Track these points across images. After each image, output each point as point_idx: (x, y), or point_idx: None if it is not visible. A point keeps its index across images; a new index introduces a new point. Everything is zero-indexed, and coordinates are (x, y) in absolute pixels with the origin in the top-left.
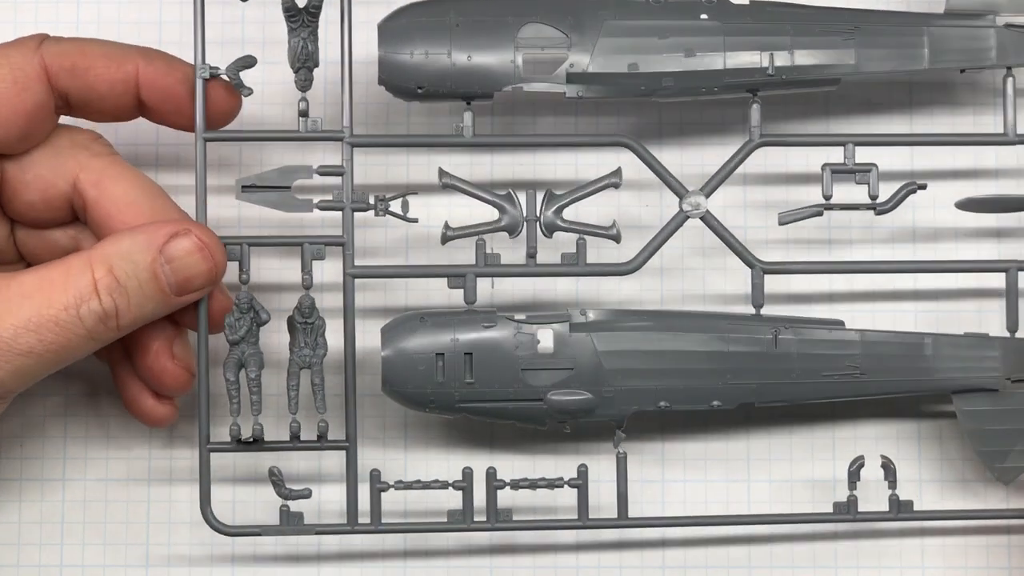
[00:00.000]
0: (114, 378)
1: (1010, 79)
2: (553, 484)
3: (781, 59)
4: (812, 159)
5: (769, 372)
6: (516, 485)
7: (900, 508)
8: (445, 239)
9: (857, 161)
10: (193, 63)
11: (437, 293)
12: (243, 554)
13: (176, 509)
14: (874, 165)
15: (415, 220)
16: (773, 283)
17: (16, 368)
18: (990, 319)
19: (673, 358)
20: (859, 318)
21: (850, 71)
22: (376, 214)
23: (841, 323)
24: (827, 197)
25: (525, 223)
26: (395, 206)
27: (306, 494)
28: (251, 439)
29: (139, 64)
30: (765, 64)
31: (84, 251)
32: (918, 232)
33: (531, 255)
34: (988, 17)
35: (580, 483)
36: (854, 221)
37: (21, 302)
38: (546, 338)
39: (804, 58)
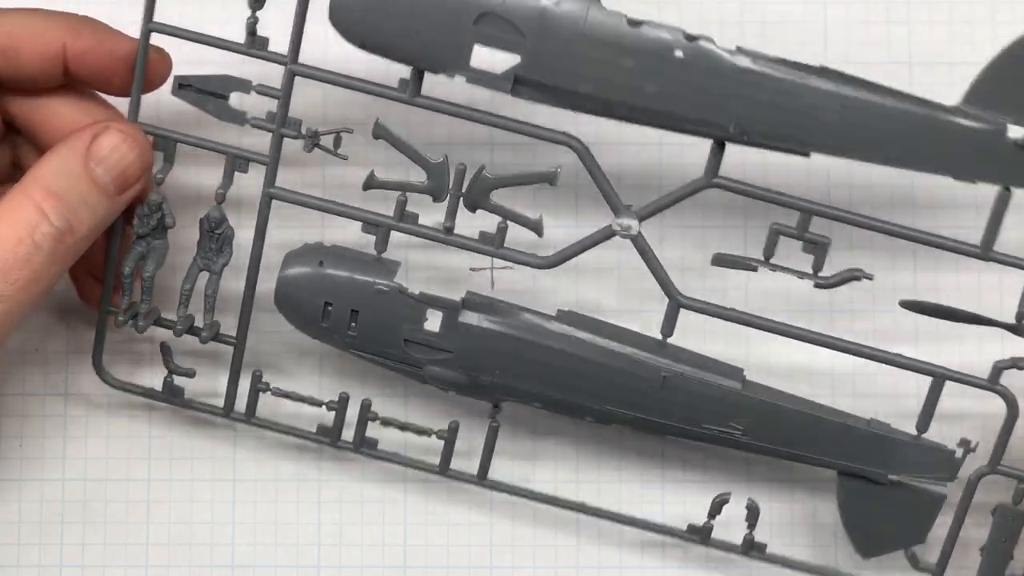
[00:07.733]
0: (79, 293)
1: (1003, 198)
2: (421, 431)
3: (750, 123)
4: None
5: (649, 408)
6: (387, 422)
7: (752, 548)
8: (367, 186)
9: (812, 231)
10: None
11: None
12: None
13: (177, 508)
14: (827, 242)
15: (345, 157)
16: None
17: None
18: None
19: (555, 371)
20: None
21: (825, 150)
22: (304, 148)
23: (740, 372)
24: (767, 258)
25: (449, 194)
26: (327, 142)
27: (190, 373)
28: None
29: (66, 41)
30: (729, 122)
31: (14, 186)
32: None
33: (448, 227)
34: (1000, 125)
35: (448, 437)
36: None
37: None
38: (434, 318)
39: (776, 127)
